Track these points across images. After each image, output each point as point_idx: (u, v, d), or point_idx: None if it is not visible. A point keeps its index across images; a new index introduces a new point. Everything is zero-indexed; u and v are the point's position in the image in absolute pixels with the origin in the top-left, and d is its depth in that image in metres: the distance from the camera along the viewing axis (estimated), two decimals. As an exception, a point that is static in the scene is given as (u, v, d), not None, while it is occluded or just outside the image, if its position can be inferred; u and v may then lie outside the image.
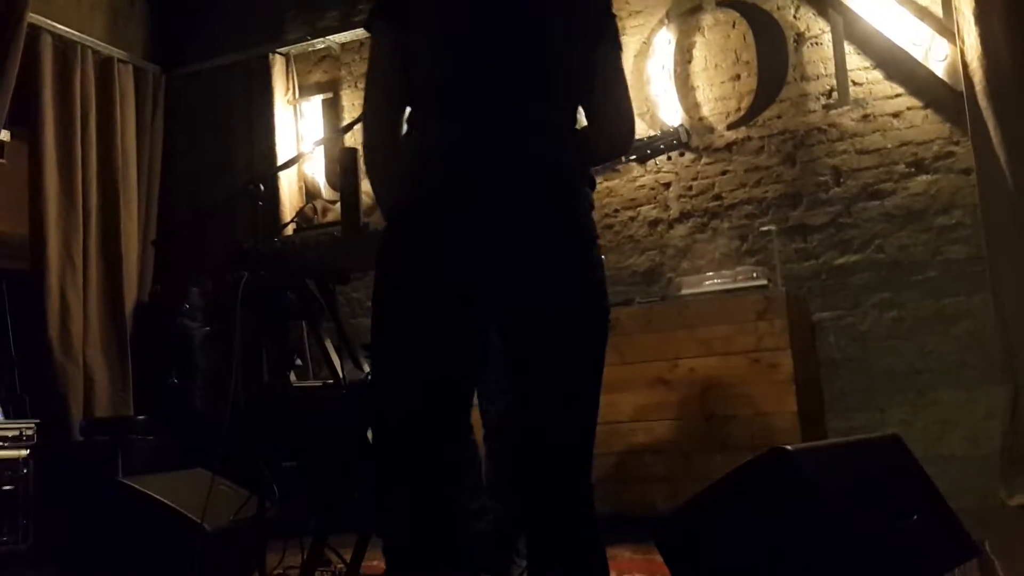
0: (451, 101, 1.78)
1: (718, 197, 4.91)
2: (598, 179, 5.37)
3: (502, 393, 3.08)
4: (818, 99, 4.75)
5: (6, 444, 4.24)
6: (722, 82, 4.97)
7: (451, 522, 1.78)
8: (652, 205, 5.06)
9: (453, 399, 1.79)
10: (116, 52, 5.63)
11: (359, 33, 5.85)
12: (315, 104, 5.98)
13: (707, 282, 4.41)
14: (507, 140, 1.74)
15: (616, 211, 5.15)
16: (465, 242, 1.69)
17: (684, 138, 3.11)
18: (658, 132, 3.17)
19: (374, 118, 1.87)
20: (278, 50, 5.95)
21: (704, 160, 4.97)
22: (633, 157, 3.12)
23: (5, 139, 4.74)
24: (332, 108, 5.95)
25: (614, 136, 1.90)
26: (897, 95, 4.59)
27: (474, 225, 1.69)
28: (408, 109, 1.85)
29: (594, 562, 1.73)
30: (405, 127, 1.85)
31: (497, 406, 3.10)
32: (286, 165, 4.84)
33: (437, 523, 1.75)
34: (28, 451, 4.31)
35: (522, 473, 1.80)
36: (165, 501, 3.22)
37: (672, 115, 4.94)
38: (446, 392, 1.76)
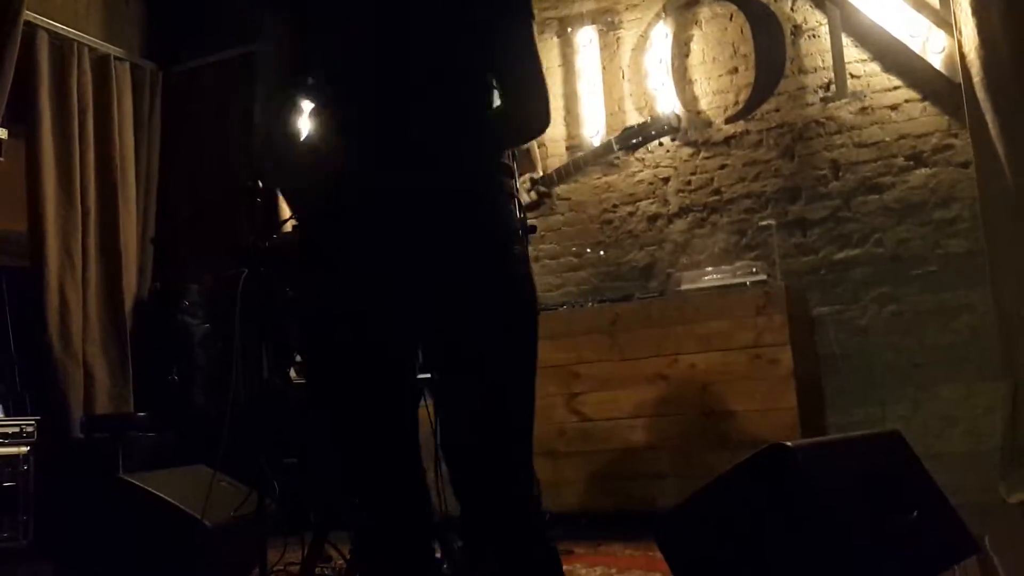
0: (349, 90, 1.71)
1: (717, 192, 4.91)
2: (598, 174, 5.37)
3: None
4: (816, 92, 4.75)
5: (6, 441, 4.24)
6: (720, 75, 4.96)
7: (421, 501, 1.74)
8: (651, 200, 5.06)
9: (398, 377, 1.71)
10: (113, 50, 5.62)
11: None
12: (313, 100, 5.96)
13: (706, 277, 4.41)
14: (410, 133, 1.65)
15: (615, 206, 5.14)
16: (374, 241, 1.62)
17: (676, 124, 3.11)
18: (648, 119, 3.16)
19: (271, 110, 1.80)
20: (276, 46, 5.93)
21: (703, 154, 4.96)
22: (629, 144, 3.13)
23: (2, 137, 4.73)
24: (330, 104, 5.93)
25: (527, 116, 1.79)
26: (895, 87, 4.58)
27: (381, 225, 1.62)
28: (306, 96, 1.78)
29: None
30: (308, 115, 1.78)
31: None
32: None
33: (407, 503, 1.72)
34: (28, 448, 4.31)
35: (453, 482, 1.73)
36: (165, 498, 3.22)
37: (670, 109, 4.93)
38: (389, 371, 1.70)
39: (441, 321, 1.66)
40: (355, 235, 1.64)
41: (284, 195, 1.83)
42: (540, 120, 1.80)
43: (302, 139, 1.78)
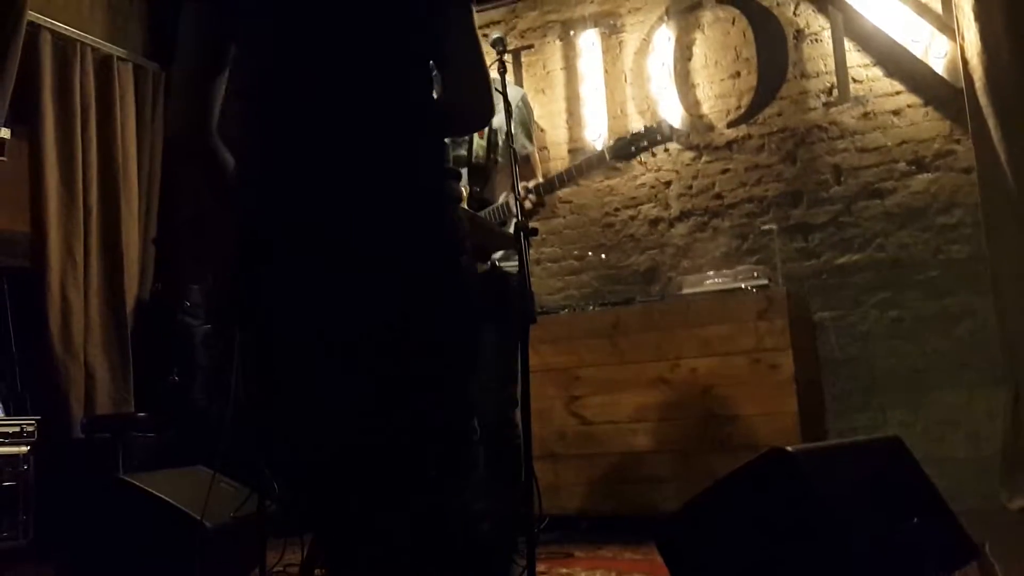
0: (278, 93, 1.60)
1: (719, 196, 4.91)
2: (600, 178, 5.36)
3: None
4: (818, 96, 4.75)
5: (7, 441, 4.23)
6: (722, 79, 4.96)
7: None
8: (653, 204, 5.06)
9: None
10: (116, 50, 5.62)
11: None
12: (316, 101, 5.97)
13: (708, 281, 4.41)
14: (346, 151, 1.55)
15: (617, 210, 5.15)
16: (305, 283, 1.54)
17: (667, 132, 3.12)
18: (641, 129, 3.18)
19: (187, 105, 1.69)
20: (278, 47, 5.94)
21: (704, 159, 4.97)
22: (623, 154, 3.13)
23: (5, 136, 4.73)
24: (332, 105, 5.94)
25: (466, 110, 1.72)
26: (897, 92, 4.58)
27: (311, 262, 1.54)
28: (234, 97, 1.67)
29: None
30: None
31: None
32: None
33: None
34: (29, 448, 4.31)
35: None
36: (166, 498, 3.22)
37: (672, 113, 4.94)
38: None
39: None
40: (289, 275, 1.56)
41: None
42: (482, 110, 1.75)
43: (234, 150, 1.68)
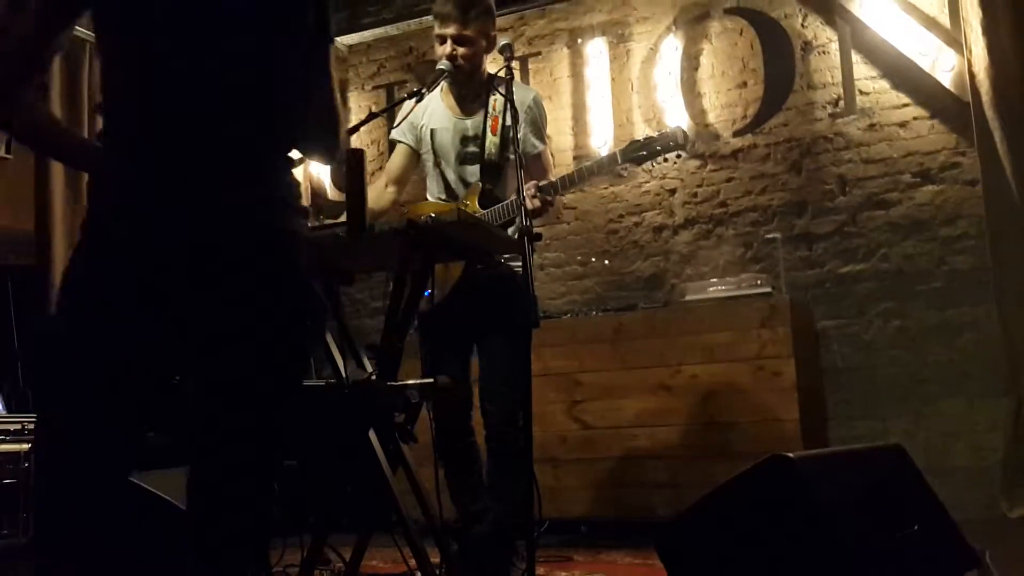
0: (130, 117, 1.57)
1: (723, 204, 4.91)
2: (604, 184, 5.35)
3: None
4: (824, 108, 4.75)
5: (8, 438, 4.23)
6: (728, 89, 4.97)
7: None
8: (657, 211, 5.06)
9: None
10: (124, 49, 5.64)
11: (367, 35, 5.87)
12: (322, 105, 5.98)
13: (711, 289, 4.41)
14: (197, 185, 1.52)
15: (621, 216, 5.15)
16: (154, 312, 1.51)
17: (682, 140, 3.09)
18: (655, 134, 3.16)
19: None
20: (286, 50, 5.96)
21: (710, 167, 4.97)
22: (634, 157, 3.12)
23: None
24: (339, 109, 5.95)
25: (317, 142, 1.72)
26: (904, 105, 4.59)
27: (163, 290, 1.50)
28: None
29: None
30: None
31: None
32: (292, 165, 4.84)
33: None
34: (29, 445, 4.31)
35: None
36: (166, 497, 3.22)
37: (678, 121, 4.93)
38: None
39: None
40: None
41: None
42: (331, 147, 1.74)
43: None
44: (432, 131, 3.28)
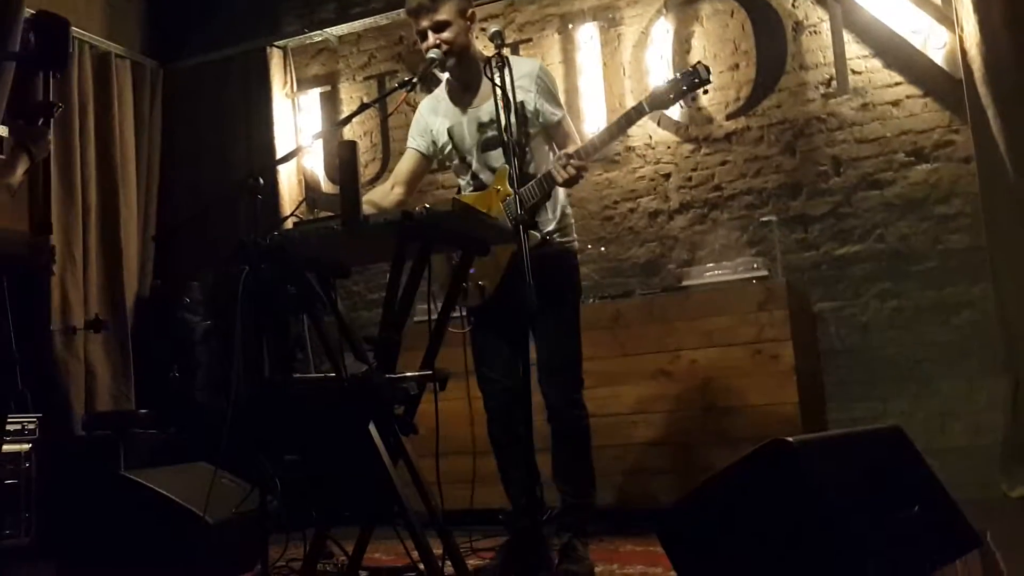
0: None
1: (718, 188, 4.91)
2: (599, 171, 5.33)
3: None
4: (817, 88, 4.74)
5: (8, 438, 4.23)
6: (721, 72, 4.95)
7: None
8: (652, 196, 5.06)
9: None
10: (113, 47, 5.62)
11: (356, 26, 5.84)
12: (313, 97, 5.97)
13: (708, 273, 4.40)
14: None
15: (616, 202, 5.14)
16: None
17: (705, 74, 3.04)
18: (678, 75, 3.11)
19: None
20: (275, 43, 5.94)
21: (704, 150, 4.96)
22: (661, 103, 3.08)
23: (4, 135, 4.72)
24: (330, 101, 5.95)
25: None
26: (896, 83, 4.58)
27: None
28: None
29: None
30: None
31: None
32: (285, 159, 4.84)
33: None
34: (30, 445, 4.31)
35: None
36: (167, 495, 3.22)
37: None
38: None
39: None
40: None
41: None
42: None
43: None
44: (449, 128, 3.28)
